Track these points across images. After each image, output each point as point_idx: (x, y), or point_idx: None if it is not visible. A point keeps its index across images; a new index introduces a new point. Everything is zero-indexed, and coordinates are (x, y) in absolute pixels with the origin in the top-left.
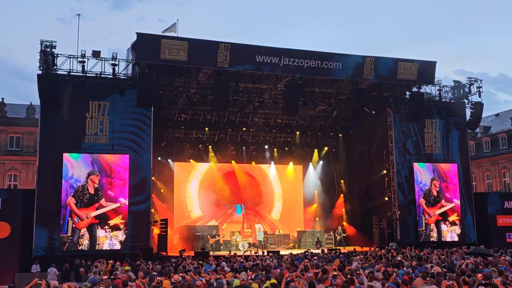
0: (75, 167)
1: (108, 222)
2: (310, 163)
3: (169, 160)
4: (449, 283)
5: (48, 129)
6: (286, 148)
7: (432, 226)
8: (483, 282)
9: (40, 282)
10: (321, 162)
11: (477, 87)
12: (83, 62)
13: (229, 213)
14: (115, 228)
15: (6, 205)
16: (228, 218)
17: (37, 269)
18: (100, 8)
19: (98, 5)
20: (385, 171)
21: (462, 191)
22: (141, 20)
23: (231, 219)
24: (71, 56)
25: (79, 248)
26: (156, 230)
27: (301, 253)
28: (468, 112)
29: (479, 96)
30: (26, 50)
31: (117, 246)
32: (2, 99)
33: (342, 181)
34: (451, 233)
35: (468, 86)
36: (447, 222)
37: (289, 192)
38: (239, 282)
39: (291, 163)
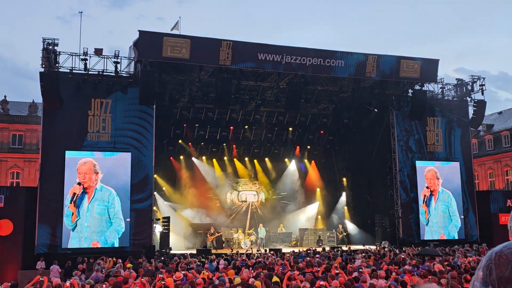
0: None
1: None
2: (312, 161)
3: (171, 158)
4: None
5: (50, 127)
6: (288, 146)
7: None
8: None
9: (42, 279)
10: (323, 160)
11: (479, 85)
12: (85, 59)
13: (231, 210)
14: None
15: (8, 202)
16: (230, 215)
17: (42, 265)
18: (99, 7)
19: (97, 3)
20: (387, 169)
21: (464, 189)
22: (140, 18)
23: (233, 216)
24: (73, 54)
25: None
26: (158, 228)
27: (303, 251)
28: (470, 110)
29: (482, 94)
30: (27, 48)
31: None
32: (5, 96)
33: (344, 179)
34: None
35: (470, 84)
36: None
37: (291, 190)
38: (239, 280)
39: (293, 161)
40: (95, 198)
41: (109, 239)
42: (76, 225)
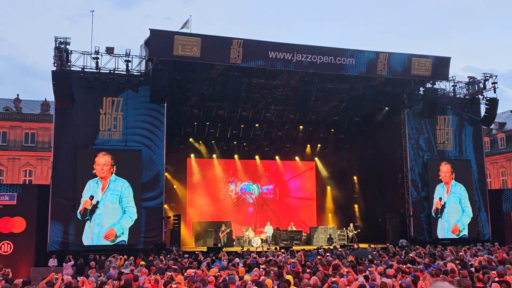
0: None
1: None
2: (323, 159)
3: (182, 156)
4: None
5: (62, 125)
6: (299, 144)
7: None
8: (497, 279)
9: (56, 276)
10: (333, 158)
11: (492, 83)
12: (97, 58)
13: (241, 208)
14: None
15: (21, 200)
16: (240, 213)
17: (54, 263)
18: (106, 7)
19: (104, 3)
20: (398, 168)
21: (476, 188)
22: (147, 18)
23: (244, 214)
24: (85, 53)
25: None
26: (169, 226)
27: (314, 249)
28: (482, 108)
29: (494, 92)
30: (36, 48)
31: None
32: (17, 95)
33: (355, 177)
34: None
35: (482, 82)
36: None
37: (302, 188)
38: (250, 278)
39: (304, 159)
40: (109, 188)
41: (124, 225)
42: (90, 218)
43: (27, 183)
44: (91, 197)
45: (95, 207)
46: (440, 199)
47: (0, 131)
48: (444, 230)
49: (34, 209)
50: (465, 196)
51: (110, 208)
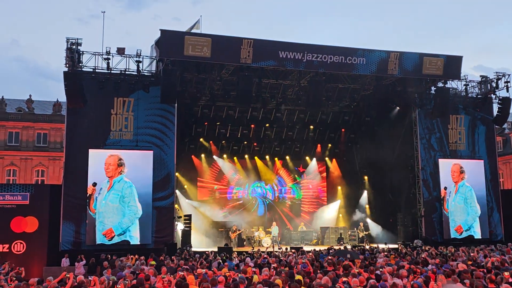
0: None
1: None
2: (334, 159)
3: (192, 156)
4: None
5: (74, 126)
6: (309, 144)
7: None
8: (510, 280)
9: (68, 276)
10: (344, 158)
11: (504, 82)
12: (108, 59)
13: (251, 209)
14: None
15: (34, 200)
16: (250, 214)
17: (67, 262)
18: (116, 8)
19: (114, 5)
20: (409, 168)
21: (489, 188)
22: (157, 18)
23: (254, 215)
24: (96, 53)
25: None
26: (180, 226)
27: (325, 249)
28: (495, 108)
29: (507, 91)
30: (48, 49)
31: None
32: (30, 96)
33: (365, 177)
34: None
35: (495, 81)
36: None
37: (312, 188)
38: (257, 278)
39: (314, 159)
40: (113, 188)
41: (124, 224)
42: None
43: (39, 183)
44: (94, 184)
45: (99, 206)
46: (443, 198)
47: (13, 131)
48: (451, 230)
49: (46, 208)
50: (471, 196)
51: (110, 207)
